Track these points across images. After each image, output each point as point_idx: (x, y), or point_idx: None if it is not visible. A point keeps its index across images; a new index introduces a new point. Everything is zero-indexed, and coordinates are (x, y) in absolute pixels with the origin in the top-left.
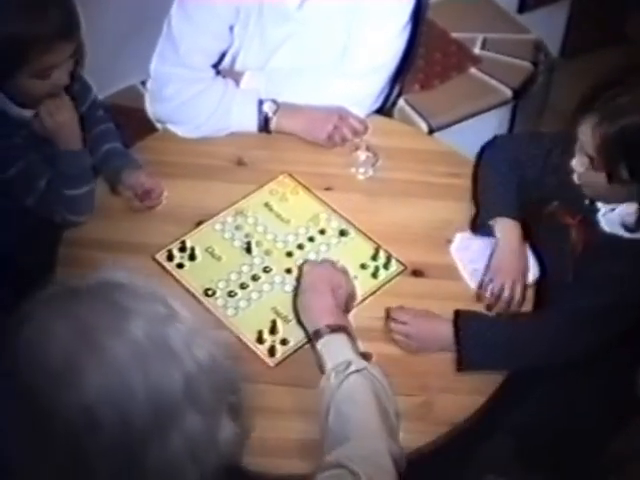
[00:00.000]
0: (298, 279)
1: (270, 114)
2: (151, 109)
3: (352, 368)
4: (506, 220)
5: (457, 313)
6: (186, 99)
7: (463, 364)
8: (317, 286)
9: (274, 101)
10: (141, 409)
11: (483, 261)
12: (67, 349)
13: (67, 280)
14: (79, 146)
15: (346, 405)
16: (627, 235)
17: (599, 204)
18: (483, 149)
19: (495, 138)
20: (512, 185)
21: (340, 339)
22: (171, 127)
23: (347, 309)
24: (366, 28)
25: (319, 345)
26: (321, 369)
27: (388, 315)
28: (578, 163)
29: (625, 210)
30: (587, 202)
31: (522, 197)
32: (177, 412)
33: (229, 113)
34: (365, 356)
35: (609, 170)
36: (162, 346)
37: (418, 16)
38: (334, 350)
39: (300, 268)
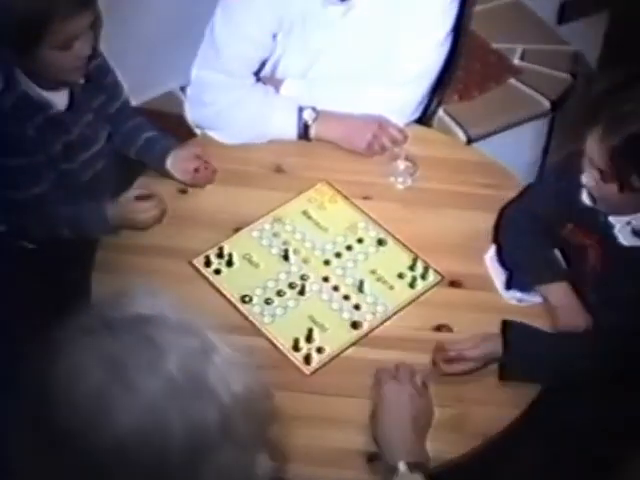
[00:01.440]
0: (377, 393)
1: (310, 122)
2: (190, 114)
3: None
4: (556, 285)
5: (505, 323)
6: (226, 105)
7: (507, 373)
8: (398, 412)
9: (314, 109)
10: (177, 446)
11: None
12: (100, 388)
13: (99, 309)
14: None
15: None
16: None
17: (613, 220)
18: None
19: (507, 214)
20: (544, 243)
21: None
22: (210, 133)
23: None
24: (408, 37)
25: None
26: None
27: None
28: (588, 178)
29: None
30: (602, 219)
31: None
32: (213, 448)
33: (269, 120)
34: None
35: (620, 181)
36: (197, 382)
37: (460, 26)
38: None
39: (378, 379)
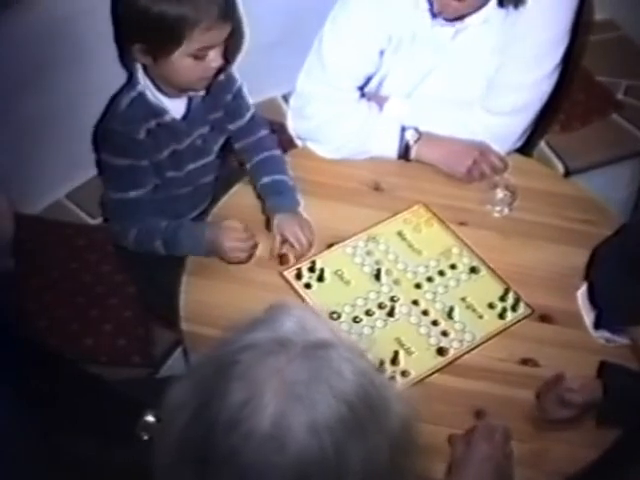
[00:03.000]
0: (465, 444)
1: (411, 142)
2: (292, 125)
3: None
4: None
5: (602, 364)
6: (328, 119)
7: (606, 419)
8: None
9: (416, 129)
10: (352, 472)
11: None
12: (281, 410)
13: (263, 325)
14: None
15: None
16: None
17: None
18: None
19: (600, 251)
20: (636, 283)
21: None
22: (311, 145)
23: None
24: (517, 66)
25: None
26: None
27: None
28: None
29: None
30: None
31: None
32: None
33: (370, 137)
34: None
35: None
36: (374, 412)
37: (569, 59)
38: None
39: (473, 432)
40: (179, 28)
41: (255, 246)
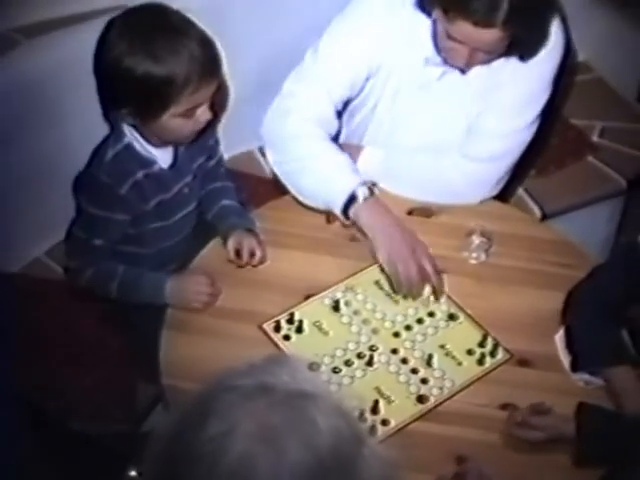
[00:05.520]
0: None
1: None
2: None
3: None
4: (620, 369)
5: (580, 405)
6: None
7: (581, 458)
8: None
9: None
10: None
11: None
12: (250, 451)
13: (255, 371)
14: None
15: None
16: None
17: None
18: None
19: (574, 295)
20: (609, 325)
21: None
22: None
23: None
24: (498, 114)
25: None
26: None
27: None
28: None
29: None
30: None
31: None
32: None
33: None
34: None
35: None
36: (345, 471)
37: (550, 109)
38: None
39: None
40: (166, 91)
41: (218, 293)
